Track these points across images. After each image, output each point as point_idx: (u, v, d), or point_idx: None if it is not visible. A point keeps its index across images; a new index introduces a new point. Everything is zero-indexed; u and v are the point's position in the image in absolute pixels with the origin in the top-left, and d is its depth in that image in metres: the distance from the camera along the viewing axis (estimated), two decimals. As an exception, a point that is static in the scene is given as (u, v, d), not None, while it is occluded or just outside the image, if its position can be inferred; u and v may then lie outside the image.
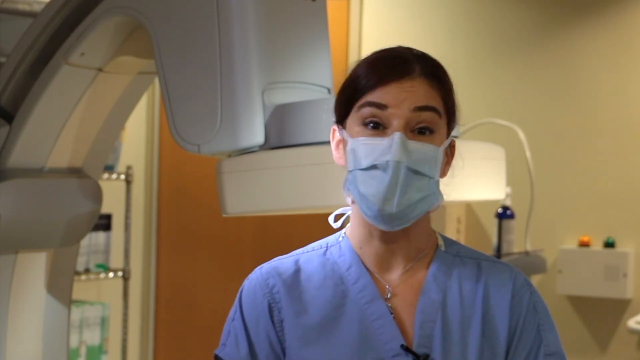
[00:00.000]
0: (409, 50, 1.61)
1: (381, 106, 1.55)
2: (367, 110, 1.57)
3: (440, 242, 1.68)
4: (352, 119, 1.59)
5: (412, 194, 1.55)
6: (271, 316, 1.63)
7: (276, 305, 1.64)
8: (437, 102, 1.57)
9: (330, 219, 1.71)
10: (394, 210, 1.55)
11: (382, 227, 1.59)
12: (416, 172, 1.55)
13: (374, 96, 1.56)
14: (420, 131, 1.56)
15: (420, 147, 1.55)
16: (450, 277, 1.65)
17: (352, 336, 1.60)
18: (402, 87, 1.56)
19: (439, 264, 1.65)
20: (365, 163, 1.56)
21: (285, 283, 1.65)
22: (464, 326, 1.62)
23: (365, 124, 1.57)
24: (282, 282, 1.65)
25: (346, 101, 1.60)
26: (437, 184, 1.58)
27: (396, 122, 1.55)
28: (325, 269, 1.66)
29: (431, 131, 1.57)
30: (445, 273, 1.65)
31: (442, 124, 1.58)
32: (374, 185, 1.55)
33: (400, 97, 1.55)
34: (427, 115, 1.56)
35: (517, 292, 1.65)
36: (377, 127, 1.56)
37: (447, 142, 1.60)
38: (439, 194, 1.59)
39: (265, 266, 1.68)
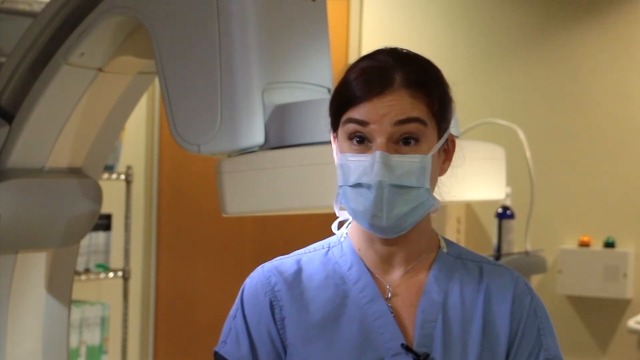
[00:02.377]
0: (392, 56, 1.60)
1: (363, 123, 1.56)
2: (351, 127, 1.58)
3: (442, 243, 1.69)
4: (341, 132, 1.60)
5: (401, 208, 1.56)
6: (272, 314, 1.64)
7: (278, 303, 1.64)
8: (420, 111, 1.56)
9: (334, 226, 1.71)
10: (384, 224, 1.57)
11: (380, 236, 1.61)
12: (402, 187, 1.56)
13: (356, 112, 1.57)
14: (405, 141, 1.56)
15: (405, 160, 1.55)
16: (451, 279, 1.65)
17: (353, 335, 1.60)
18: (383, 102, 1.56)
19: (441, 265, 1.66)
20: (351, 180, 1.57)
21: (287, 281, 1.65)
22: (465, 327, 1.62)
23: (351, 139, 1.58)
24: (284, 280, 1.65)
25: (334, 113, 1.62)
26: (428, 191, 1.58)
27: (379, 138, 1.55)
28: (326, 268, 1.66)
29: (416, 140, 1.57)
30: (447, 275, 1.65)
31: (428, 130, 1.57)
32: (361, 202, 1.57)
33: (380, 113, 1.55)
34: (410, 127, 1.56)
35: (518, 296, 1.65)
36: (362, 141, 1.57)
37: (439, 145, 1.59)
38: (432, 200, 1.59)
39: (267, 265, 1.69)
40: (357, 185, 1.56)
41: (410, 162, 1.56)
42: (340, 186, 1.60)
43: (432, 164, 1.58)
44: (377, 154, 1.54)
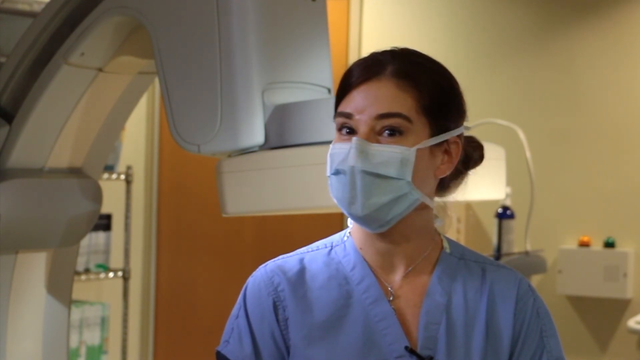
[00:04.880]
0: (388, 51, 1.62)
1: (348, 115, 1.58)
2: (339, 119, 1.60)
3: (446, 244, 1.68)
4: (335, 124, 1.62)
5: (378, 197, 1.56)
6: (276, 314, 1.63)
7: (281, 304, 1.64)
8: (404, 106, 1.56)
9: (349, 219, 1.70)
10: (361, 213, 1.57)
11: (366, 229, 1.61)
12: (378, 176, 1.56)
13: (343, 105, 1.59)
14: (390, 132, 1.57)
15: (384, 150, 1.56)
16: (455, 280, 1.64)
17: (356, 336, 1.60)
18: (367, 93, 1.57)
19: (444, 266, 1.65)
20: (333, 168, 1.59)
21: (290, 281, 1.65)
22: (468, 329, 1.62)
23: (340, 130, 1.60)
24: (287, 280, 1.65)
25: (335, 107, 1.63)
26: (409, 184, 1.57)
27: (362, 128, 1.57)
28: (329, 268, 1.66)
29: (401, 132, 1.57)
30: (450, 276, 1.65)
31: (414, 126, 1.57)
32: (340, 189, 1.58)
33: (363, 104, 1.57)
34: (392, 121, 1.56)
35: (521, 297, 1.65)
36: (351, 132, 1.58)
37: (430, 142, 1.58)
38: (414, 193, 1.58)
39: (270, 264, 1.68)
40: (337, 172, 1.58)
41: (390, 152, 1.56)
42: (328, 176, 1.61)
43: (420, 159, 1.57)
44: (354, 140, 1.56)
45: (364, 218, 1.57)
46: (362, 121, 1.56)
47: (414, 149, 1.57)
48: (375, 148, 1.56)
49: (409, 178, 1.57)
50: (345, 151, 1.56)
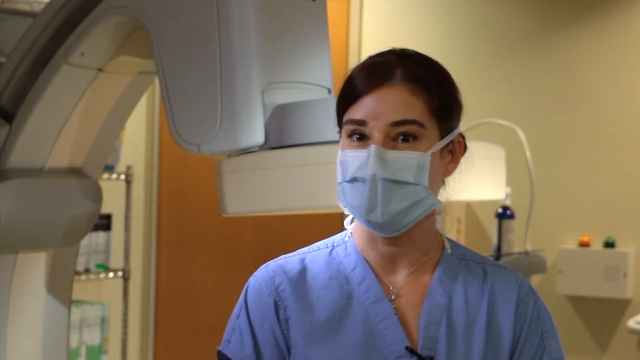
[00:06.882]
0: (395, 53, 1.61)
1: (361, 122, 1.57)
2: (350, 126, 1.59)
3: (447, 244, 1.68)
4: (343, 131, 1.61)
5: (397, 204, 1.56)
6: (277, 314, 1.64)
7: (282, 303, 1.64)
8: (417, 111, 1.57)
9: (346, 221, 1.71)
10: (380, 220, 1.57)
11: (379, 234, 1.61)
12: (397, 182, 1.56)
13: (354, 112, 1.58)
14: (404, 138, 1.56)
15: (402, 156, 1.56)
16: (455, 281, 1.65)
17: (357, 336, 1.60)
18: (380, 98, 1.56)
19: (445, 267, 1.65)
20: (348, 175, 1.58)
21: (291, 281, 1.65)
22: (469, 330, 1.62)
23: (350, 136, 1.59)
24: (288, 280, 1.65)
25: (338, 110, 1.63)
26: (426, 189, 1.58)
27: (376, 135, 1.56)
28: (330, 268, 1.66)
29: (415, 137, 1.57)
30: (451, 276, 1.65)
31: (427, 131, 1.57)
32: (357, 197, 1.57)
33: (377, 111, 1.56)
34: (407, 128, 1.56)
35: (522, 298, 1.65)
36: (363, 138, 1.58)
37: (440, 144, 1.59)
38: (431, 198, 1.59)
39: (271, 264, 1.68)
40: (353, 179, 1.57)
41: (407, 158, 1.56)
42: (340, 183, 1.60)
43: (433, 163, 1.58)
44: (372, 147, 1.55)
45: (382, 224, 1.57)
46: (376, 128, 1.56)
47: (428, 153, 1.57)
48: (393, 155, 1.55)
49: (425, 183, 1.57)
50: (362, 159, 1.56)
